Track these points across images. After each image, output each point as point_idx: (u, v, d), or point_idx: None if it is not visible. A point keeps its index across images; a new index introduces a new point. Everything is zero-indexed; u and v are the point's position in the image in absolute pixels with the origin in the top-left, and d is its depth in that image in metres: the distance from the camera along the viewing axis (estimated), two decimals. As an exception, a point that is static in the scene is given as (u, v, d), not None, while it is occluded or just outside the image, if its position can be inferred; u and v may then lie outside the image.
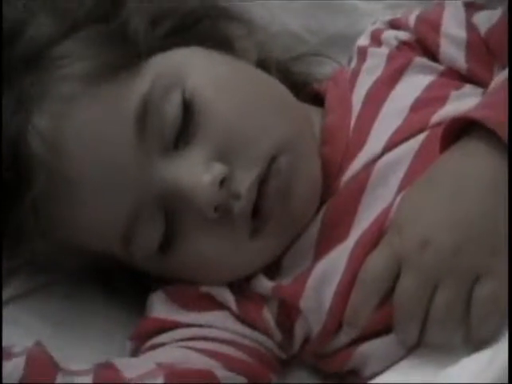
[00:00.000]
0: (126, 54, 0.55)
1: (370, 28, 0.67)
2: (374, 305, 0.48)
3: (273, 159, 0.54)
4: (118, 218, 0.54)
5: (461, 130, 0.50)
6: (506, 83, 0.51)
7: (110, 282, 0.62)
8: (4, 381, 0.50)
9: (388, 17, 0.68)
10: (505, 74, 0.53)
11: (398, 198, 0.53)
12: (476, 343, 0.46)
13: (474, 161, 0.48)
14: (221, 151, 0.54)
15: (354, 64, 0.66)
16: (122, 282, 0.62)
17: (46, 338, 0.57)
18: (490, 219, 0.46)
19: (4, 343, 0.55)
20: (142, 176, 0.53)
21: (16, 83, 0.55)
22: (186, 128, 0.54)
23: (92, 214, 0.54)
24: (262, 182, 0.54)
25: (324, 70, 0.72)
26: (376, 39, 0.66)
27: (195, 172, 0.53)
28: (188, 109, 0.54)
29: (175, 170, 0.53)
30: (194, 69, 0.56)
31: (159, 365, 0.52)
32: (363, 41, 0.67)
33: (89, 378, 0.51)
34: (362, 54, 0.65)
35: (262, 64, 0.64)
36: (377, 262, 0.48)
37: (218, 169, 0.53)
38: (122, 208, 0.54)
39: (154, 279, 0.61)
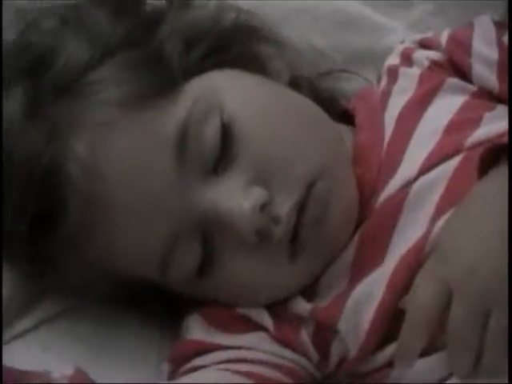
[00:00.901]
0: (162, 78, 0.55)
1: (400, 47, 0.68)
2: (426, 340, 0.48)
3: (311, 184, 0.55)
4: (157, 244, 0.55)
5: (499, 154, 0.51)
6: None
7: (142, 303, 0.63)
8: None
9: (417, 36, 0.69)
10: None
11: (437, 223, 0.54)
12: None
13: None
14: (260, 176, 0.54)
15: (384, 83, 0.66)
16: (154, 304, 0.63)
17: (78, 362, 0.56)
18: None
19: (37, 368, 0.54)
20: (181, 201, 0.54)
21: (49, 111, 0.55)
22: (224, 153, 0.54)
23: (130, 240, 0.55)
24: (301, 207, 0.54)
25: (350, 86, 0.73)
26: (407, 59, 0.66)
27: (235, 197, 0.53)
28: (227, 133, 0.54)
29: (215, 194, 0.54)
30: (231, 93, 0.56)
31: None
32: (393, 60, 0.67)
33: None
34: (393, 73, 0.66)
35: (293, 82, 0.65)
36: (426, 295, 0.48)
37: (259, 193, 0.53)
38: (161, 233, 0.54)
39: (189, 301, 0.61)
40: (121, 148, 0.53)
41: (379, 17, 0.79)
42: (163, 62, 0.57)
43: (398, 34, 0.76)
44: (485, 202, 0.49)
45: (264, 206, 0.53)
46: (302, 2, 0.76)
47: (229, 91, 0.56)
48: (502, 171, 0.50)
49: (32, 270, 0.59)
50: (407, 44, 0.68)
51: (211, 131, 0.54)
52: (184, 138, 0.53)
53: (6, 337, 0.63)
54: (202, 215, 0.54)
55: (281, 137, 0.55)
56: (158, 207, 0.54)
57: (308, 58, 0.72)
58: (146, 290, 0.61)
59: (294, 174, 0.55)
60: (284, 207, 0.54)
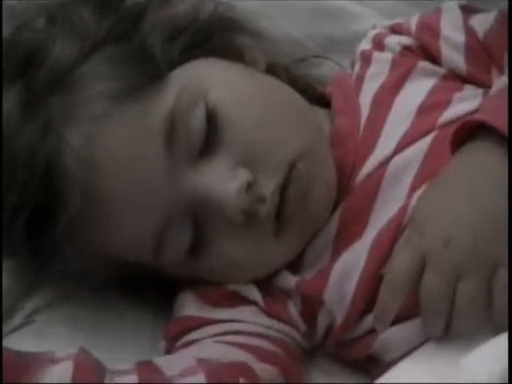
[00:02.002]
0: (148, 71, 0.58)
1: (372, 33, 0.71)
2: (401, 302, 0.51)
3: (293, 165, 0.58)
4: (150, 227, 0.58)
5: (470, 131, 0.55)
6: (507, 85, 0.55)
7: (135, 290, 0.66)
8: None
9: (388, 22, 0.72)
10: (504, 77, 0.57)
11: (413, 197, 0.58)
12: (499, 328, 0.49)
13: (486, 162, 0.52)
14: (244, 159, 0.58)
15: (357, 68, 0.70)
16: (147, 290, 0.66)
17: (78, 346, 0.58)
18: (503, 215, 0.50)
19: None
20: (171, 187, 0.57)
21: (42, 107, 0.57)
22: (210, 138, 0.57)
23: (126, 225, 0.58)
24: (283, 187, 0.58)
25: (324, 71, 0.76)
26: (378, 44, 0.69)
27: (222, 179, 0.57)
28: (212, 120, 0.57)
29: (203, 178, 0.57)
30: (213, 81, 0.59)
31: (197, 360, 0.56)
32: (366, 45, 0.71)
33: (134, 377, 0.54)
34: (366, 58, 0.69)
35: (270, 70, 0.68)
36: (402, 261, 0.52)
37: (244, 175, 0.57)
38: (154, 217, 0.58)
39: (180, 284, 0.64)
40: (113, 139, 0.56)
41: (350, 4, 0.82)
42: (147, 55, 0.60)
43: (368, 20, 0.80)
44: (459, 175, 0.53)
45: (249, 187, 0.56)
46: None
47: (212, 80, 0.59)
48: (473, 146, 0.54)
49: (30, 260, 0.62)
50: (379, 30, 0.71)
51: (197, 119, 0.57)
52: (172, 127, 0.56)
53: (6, 326, 0.66)
54: (192, 198, 0.57)
55: (263, 122, 0.59)
56: (150, 193, 0.57)
57: (284, 47, 0.75)
58: (139, 277, 0.65)
59: (276, 156, 0.58)
60: (268, 187, 0.57)
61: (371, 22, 0.77)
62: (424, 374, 0.51)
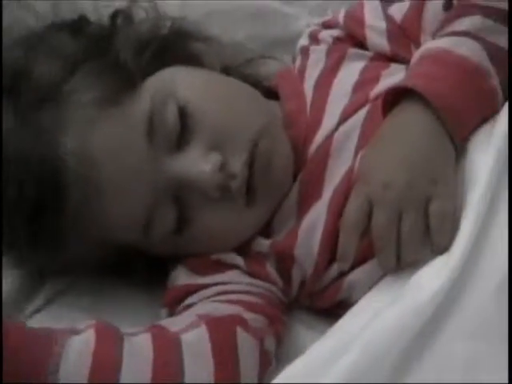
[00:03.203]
0: (124, 80, 0.69)
1: (307, 30, 0.83)
2: (357, 241, 0.62)
3: (255, 145, 0.69)
4: (139, 210, 0.68)
5: (397, 97, 0.66)
6: (423, 58, 0.67)
7: (131, 273, 0.75)
8: (78, 349, 0.62)
9: (320, 19, 0.84)
10: (420, 49, 0.69)
11: (358, 158, 0.69)
12: (438, 251, 0.60)
13: (411, 119, 0.63)
14: (214, 144, 0.68)
15: (299, 61, 0.81)
16: (140, 271, 0.75)
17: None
18: (428, 159, 0.61)
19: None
20: (155, 174, 0.67)
21: (32, 118, 0.67)
22: (184, 130, 0.68)
23: (118, 210, 0.68)
24: (250, 164, 0.68)
25: (268, 69, 0.87)
26: (314, 39, 0.81)
27: (198, 163, 0.67)
28: (183, 115, 0.68)
29: (181, 163, 0.67)
30: (180, 83, 0.70)
31: (198, 316, 0.65)
32: (303, 41, 0.82)
33: (147, 335, 0.63)
34: (305, 52, 0.81)
35: (224, 71, 0.79)
36: (353, 208, 0.62)
37: (215, 157, 0.67)
38: (141, 201, 0.68)
39: (169, 261, 0.74)
40: (103, 139, 0.66)
41: (284, 7, 0.93)
42: (121, 68, 0.70)
43: (302, 19, 0.91)
44: (391, 132, 0.64)
45: (221, 167, 0.67)
46: (220, 2, 0.91)
47: (179, 82, 0.70)
48: (400, 108, 0.65)
49: (36, 254, 0.71)
50: (313, 27, 0.83)
51: (171, 115, 0.67)
52: (151, 124, 0.67)
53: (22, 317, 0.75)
54: (173, 182, 0.68)
55: (226, 111, 0.69)
56: (137, 180, 0.67)
57: (232, 50, 0.86)
58: (134, 262, 0.74)
59: (240, 139, 0.69)
60: (237, 165, 0.68)
61: (306, 22, 0.89)
62: (382, 297, 0.62)
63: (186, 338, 0.63)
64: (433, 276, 0.58)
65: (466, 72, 0.64)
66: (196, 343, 0.62)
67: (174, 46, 0.75)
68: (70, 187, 0.66)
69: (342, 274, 0.70)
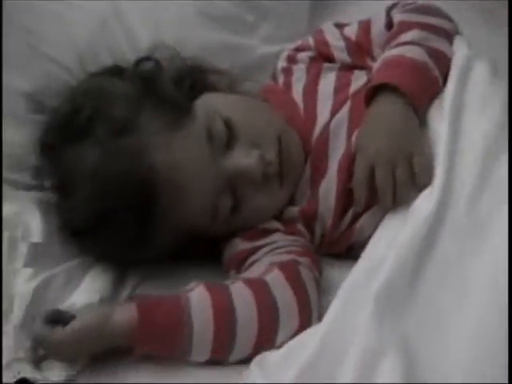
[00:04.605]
0: (179, 107, 0.95)
1: (284, 54, 1.11)
2: (366, 191, 0.91)
3: (279, 139, 0.97)
4: (207, 201, 0.94)
5: (374, 92, 0.95)
6: (385, 63, 0.97)
7: (191, 255, 1.00)
8: (198, 299, 0.85)
9: (293, 45, 1.12)
10: (381, 58, 0.99)
11: (353, 137, 0.98)
12: (422, 189, 0.89)
13: (389, 104, 0.93)
14: (252, 143, 0.96)
15: (282, 79, 1.09)
16: (200, 253, 1.00)
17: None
18: (405, 129, 0.92)
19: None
20: (216, 169, 0.94)
21: (119, 147, 0.90)
22: (230, 136, 0.95)
23: (194, 202, 0.93)
24: (279, 153, 0.97)
25: (247, 87, 1.13)
26: (292, 60, 1.10)
27: (245, 158, 0.95)
28: (227, 125, 0.95)
29: (233, 160, 0.95)
30: (219, 104, 0.98)
31: (268, 263, 0.92)
32: (283, 63, 1.11)
33: (240, 283, 0.88)
34: (288, 71, 1.09)
35: (231, 91, 1.06)
36: (359, 170, 0.92)
37: (256, 153, 0.95)
38: (209, 193, 0.94)
39: (221, 241, 1.00)
40: (180, 152, 0.91)
41: (244, 40, 1.21)
42: (172, 99, 0.96)
43: (260, 48, 1.20)
44: (376, 115, 0.94)
45: (261, 158, 0.95)
46: (203, 39, 1.16)
47: (218, 103, 0.98)
48: (379, 99, 0.94)
49: (131, 248, 0.94)
50: (289, 52, 1.11)
51: (220, 126, 0.95)
52: (209, 134, 0.94)
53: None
54: (229, 175, 0.95)
55: (255, 119, 0.98)
56: (205, 177, 0.93)
57: (227, 75, 1.12)
58: (196, 246, 0.99)
59: (269, 137, 0.97)
60: (271, 156, 0.96)
61: (262, 51, 1.18)
62: (388, 229, 0.90)
63: (269, 279, 0.89)
64: (425, 201, 0.88)
65: (417, 68, 0.95)
66: (277, 283, 0.89)
67: (199, 77, 1.03)
68: (162, 191, 0.91)
69: (353, 222, 0.99)
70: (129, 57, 1.06)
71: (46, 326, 0.83)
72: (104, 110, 0.94)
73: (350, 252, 1.00)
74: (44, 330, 0.83)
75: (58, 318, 0.84)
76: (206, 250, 1.00)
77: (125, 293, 0.96)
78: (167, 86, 0.98)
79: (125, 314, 0.84)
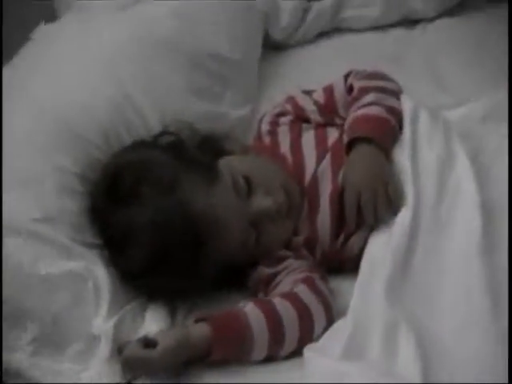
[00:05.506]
0: (208, 167, 1.24)
1: (267, 118, 1.42)
2: (356, 215, 1.23)
3: (285, 187, 1.28)
4: (239, 236, 1.23)
5: (351, 143, 1.27)
6: (355, 121, 1.28)
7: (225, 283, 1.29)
8: (252, 313, 1.14)
9: (274, 110, 1.43)
10: (351, 116, 1.31)
11: (338, 178, 1.28)
12: (398, 210, 1.21)
13: (365, 150, 1.25)
14: (266, 191, 1.26)
15: (268, 139, 1.40)
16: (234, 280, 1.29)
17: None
18: (379, 167, 1.23)
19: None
20: (243, 213, 1.24)
21: (168, 202, 1.18)
22: (249, 187, 1.26)
23: (229, 238, 1.22)
24: (286, 195, 1.27)
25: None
26: (275, 123, 1.41)
27: (263, 202, 1.25)
28: (247, 180, 1.26)
29: (255, 204, 1.25)
30: (237, 163, 1.28)
31: (293, 281, 1.22)
32: (266, 126, 1.41)
33: (279, 298, 1.18)
34: (273, 133, 1.40)
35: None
36: (349, 199, 1.23)
37: (270, 198, 1.26)
38: (239, 230, 1.23)
39: (247, 267, 1.29)
40: (217, 201, 1.20)
41: (218, 109, 1.51)
42: (201, 161, 1.25)
43: (231, 114, 1.51)
44: (356, 159, 1.26)
45: (274, 202, 1.25)
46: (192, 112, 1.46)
47: (237, 165, 1.28)
48: (356, 147, 1.26)
49: (181, 281, 1.22)
50: (271, 118, 1.42)
51: (241, 181, 1.25)
52: (235, 187, 1.24)
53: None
54: (253, 215, 1.24)
55: (266, 173, 1.28)
56: (237, 219, 1.22)
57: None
58: (229, 274, 1.27)
59: (277, 185, 1.28)
60: (281, 198, 1.27)
61: (234, 116, 1.49)
62: (377, 240, 1.21)
63: (297, 291, 1.19)
64: (404, 213, 1.20)
65: (381, 122, 1.28)
66: (304, 292, 1.19)
67: (215, 143, 1.34)
68: (206, 232, 1.19)
69: (345, 242, 1.29)
70: (141, 131, 1.36)
71: (140, 349, 1.09)
72: (148, 176, 1.21)
73: (343, 266, 1.31)
74: (141, 352, 1.09)
75: (147, 343, 1.10)
76: (232, 280, 1.29)
77: (179, 320, 1.22)
78: (194, 152, 1.27)
79: (200, 331, 1.12)
